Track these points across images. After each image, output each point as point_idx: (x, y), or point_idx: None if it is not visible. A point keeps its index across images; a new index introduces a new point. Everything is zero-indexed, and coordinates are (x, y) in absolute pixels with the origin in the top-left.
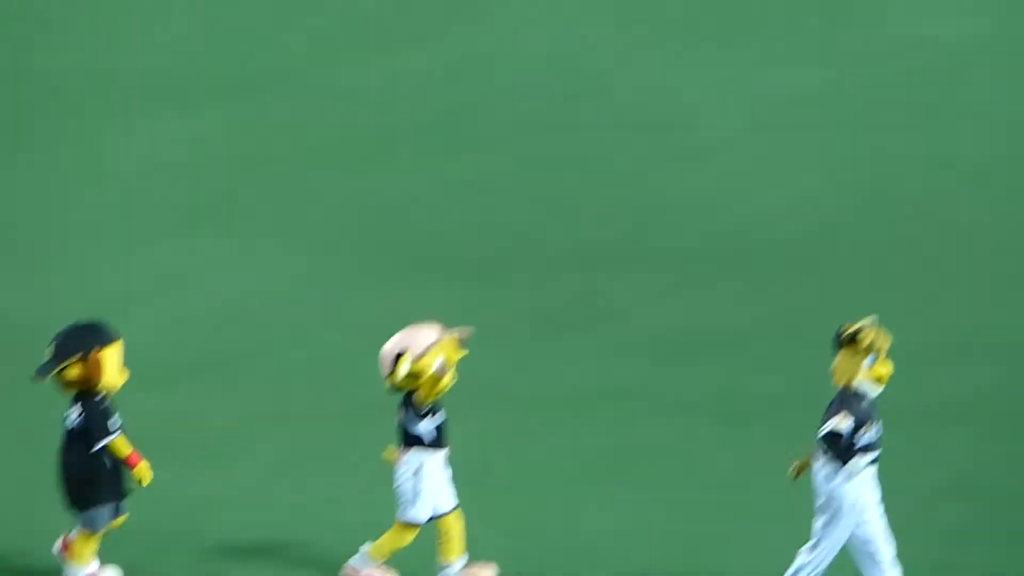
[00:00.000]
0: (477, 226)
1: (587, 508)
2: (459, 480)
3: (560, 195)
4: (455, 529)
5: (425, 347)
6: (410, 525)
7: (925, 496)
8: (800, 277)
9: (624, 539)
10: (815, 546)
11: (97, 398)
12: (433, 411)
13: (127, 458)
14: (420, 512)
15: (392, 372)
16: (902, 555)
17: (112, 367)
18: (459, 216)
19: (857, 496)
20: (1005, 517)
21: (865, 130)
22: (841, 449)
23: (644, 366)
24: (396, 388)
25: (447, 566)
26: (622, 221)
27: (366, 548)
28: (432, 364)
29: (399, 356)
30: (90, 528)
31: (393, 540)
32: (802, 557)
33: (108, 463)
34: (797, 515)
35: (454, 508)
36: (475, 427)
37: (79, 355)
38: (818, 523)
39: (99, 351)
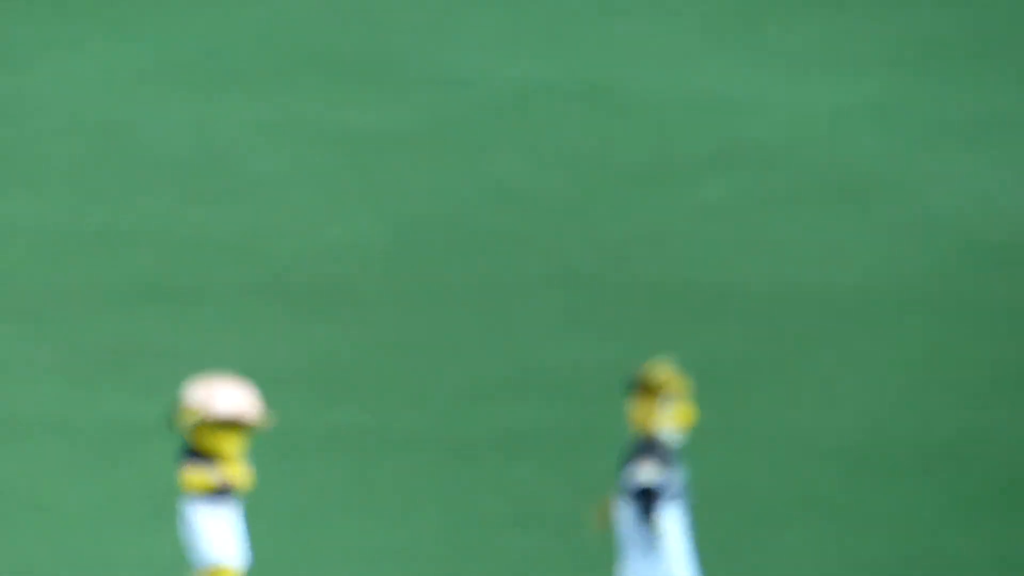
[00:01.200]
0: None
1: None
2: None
3: (95, 231)
4: None
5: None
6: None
7: (490, 524)
8: (341, 313)
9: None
10: None
11: None
12: None
13: None
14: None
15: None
16: None
17: None
18: None
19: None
20: (568, 545)
21: (417, 166)
22: (652, 501)
23: None
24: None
25: None
26: (166, 260)
27: None
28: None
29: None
30: None
31: None
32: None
33: None
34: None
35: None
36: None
37: None
38: (636, 566)
39: None
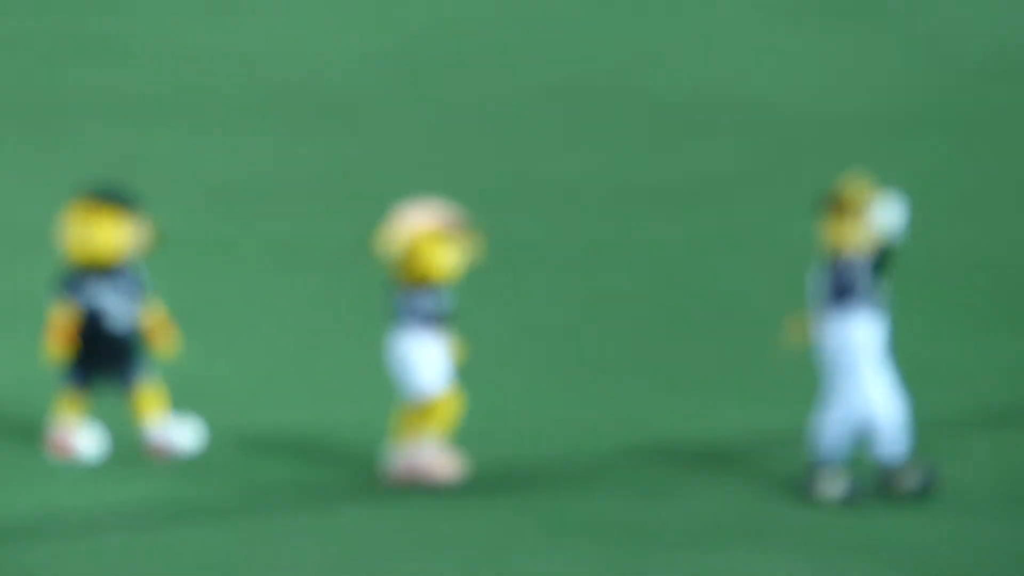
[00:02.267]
0: None
1: None
2: None
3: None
4: (442, 412)
5: (410, 226)
6: (425, 401)
7: (498, 336)
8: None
9: None
10: (838, 404)
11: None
12: (428, 291)
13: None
14: (428, 385)
15: (379, 245)
16: None
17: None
18: None
19: (860, 349)
20: (575, 356)
21: None
22: (842, 305)
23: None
24: (388, 262)
25: (419, 446)
26: (170, 74)
27: (403, 445)
28: (414, 242)
29: (387, 228)
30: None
31: (421, 420)
32: (827, 415)
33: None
34: None
35: (447, 391)
36: None
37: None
38: (833, 381)
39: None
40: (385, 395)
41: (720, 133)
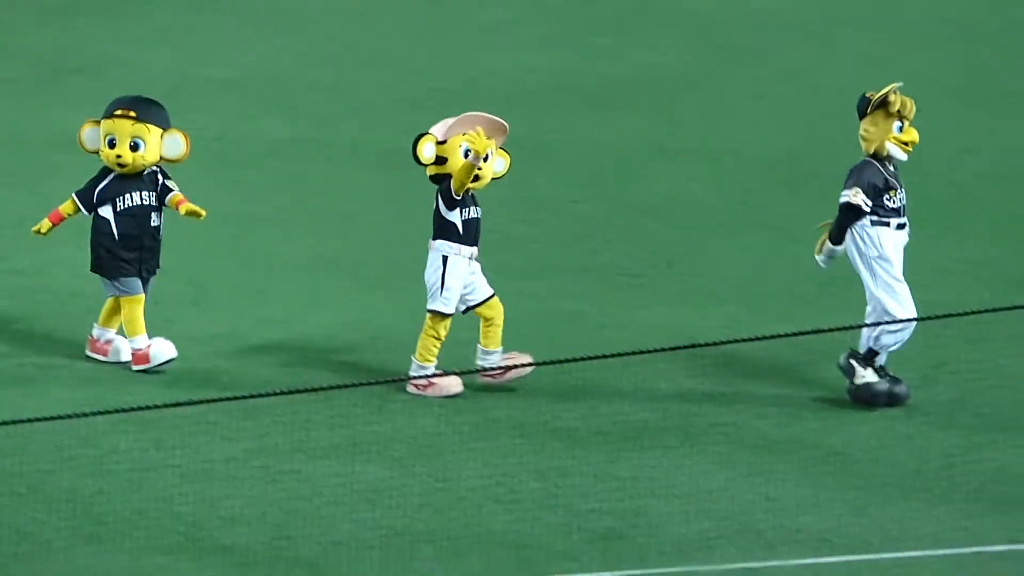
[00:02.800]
0: None
1: None
2: None
3: None
4: (494, 317)
5: (450, 132)
6: (439, 315)
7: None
8: None
9: None
10: (877, 304)
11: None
12: (465, 204)
13: (175, 205)
14: (446, 303)
15: (413, 153)
16: None
17: (98, 140)
18: None
19: (884, 252)
20: (517, 255)
21: None
22: (850, 219)
23: None
24: (428, 171)
25: (489, 353)
26: None
27: (415, 358)
28: (457, 151)
29: (421, 136)
30: (116, 293)
31: (427, 333)
32: (872, 320)
33: (115, 235)
34: None
35: (490, 297)
36: None
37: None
38: (867, 285)
39: (87, 121)
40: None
41: (663, 32)
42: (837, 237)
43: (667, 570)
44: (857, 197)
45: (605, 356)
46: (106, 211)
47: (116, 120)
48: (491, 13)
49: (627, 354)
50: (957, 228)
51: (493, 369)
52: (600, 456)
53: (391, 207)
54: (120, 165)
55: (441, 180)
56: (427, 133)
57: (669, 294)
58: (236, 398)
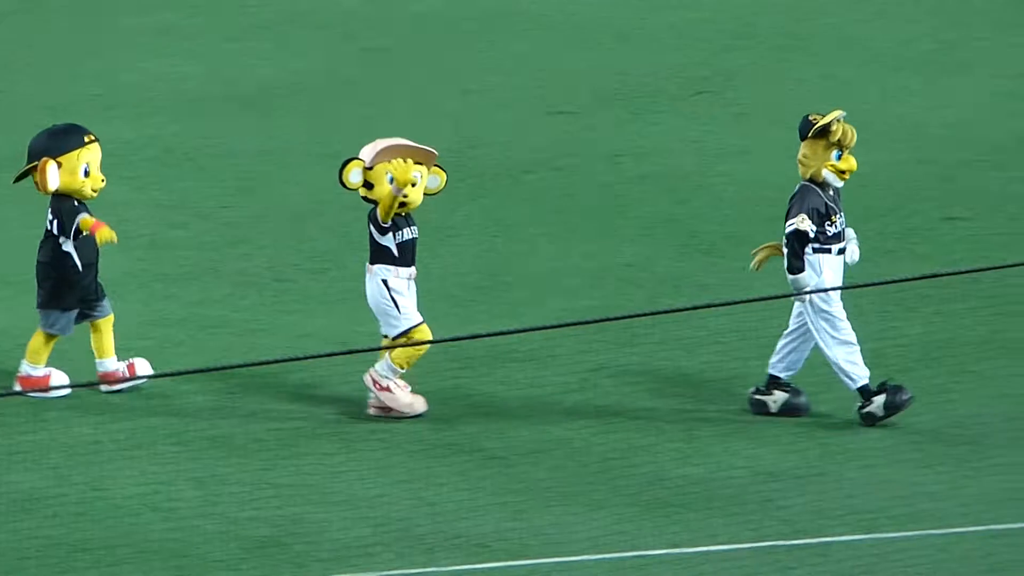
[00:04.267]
0: None
1: None
2: None
3: None
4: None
5: (376, 160)
6: (408, 333)
7: None
8: None
9: None
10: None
11: (67, 200)
12: (398, 227)
13: (91, 229)
14: (409, 319)
15: (340, 176)
16: None
17: (68, 174)
18: None
19: (822, 282)
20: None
21: None
22: (802, 245)
23: None
24: (358, 193)
25: (395, 370)
26: None
27: (387, 357)
28: (383, 178)
29: (349, 161)
30: (49, 329)
31: (406, 350)
32: (831, 353)
33: (79, 266)
34: None
35: (418, 324)
36: None
37: (34, 163)
38: (806, 311)
39: (47, 161)
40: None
41: (305, 36)
42: (795, 267)
43: None
44: (804, 223)
45: (267, 362)
46: (68, 244)
47: (90, 147)
48: (145, 19)
49: (287, 360)
50: (608, 231)
51: (380, 380)
52: (257, 464)
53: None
54: (95, 190)
55: (372, 203)
56: (356, 158)
57: (322, 299)
58: None
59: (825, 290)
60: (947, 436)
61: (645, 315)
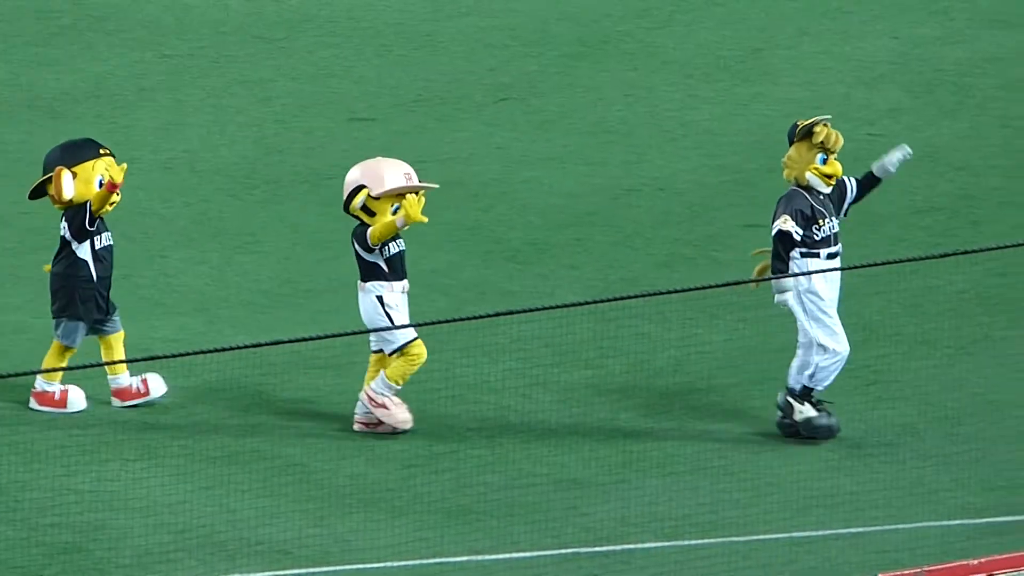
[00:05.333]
0: None
1: None
2: None
3: None
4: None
5: (384, 190)
6: (407, 345)
7: None
8: None
9: None
10: (814, 344)
11: (80, 211)
12: (384, 243)
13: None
14: (405, 334)
15: (347, 202)
16: None
17: (83, 184)
18: None
19: (813, 287)
20: None
21: None
22: (786, 247)
23: None
24: (352, 215)
25: (390, 385)
26: None
27: (382, 374)
28: (387, 209)
29: (358, 189)
30: (65, 340)
31: (402, 366)
32: (814, 358)
33: (93, 276)
34: None
35: (412, 340)
36: None
37: (48, 175)
38: (798, 318)
39: (62, 169)
40: None
41: (114, 43)
42: (776, 268)
43: None
44: (787, 224)
45: (68, 368)
46: (85, 251)
47: (104, 159)
48: None
49: (86, 366)
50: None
51: (376, 397)
52: (58, 469)
53: None
54: (111, 204)
55: (362, 224)
56: (364, 187)
57: (122, 304)
58: None
59: (611, 300)
60: (750, 444)
61: (447, 322)
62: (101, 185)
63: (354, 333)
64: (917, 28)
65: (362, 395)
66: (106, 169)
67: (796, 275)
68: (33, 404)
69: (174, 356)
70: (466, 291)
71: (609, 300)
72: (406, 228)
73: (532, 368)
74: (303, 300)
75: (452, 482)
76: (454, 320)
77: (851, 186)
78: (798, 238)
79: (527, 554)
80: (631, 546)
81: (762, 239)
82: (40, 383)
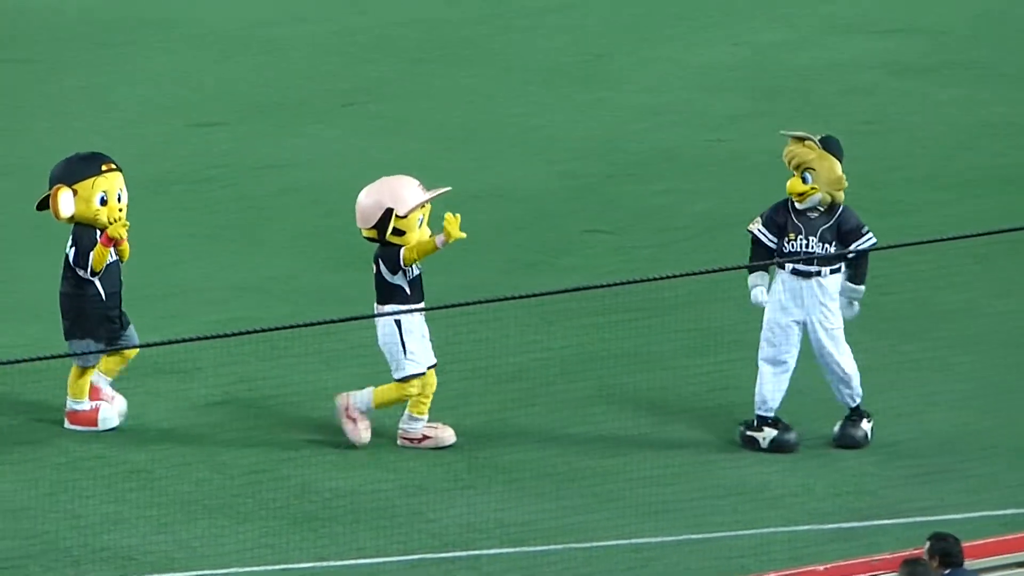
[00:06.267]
0: None
1: None
2: None
3: None
4: (425, 388)
5: (410, 208)
6: (412, 377)
7: None
8: None
9: None
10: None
11: (87, 231)
12: (408, 265)
13: (103, 243)
14: (416, 364)
15: (376, 227)
16: None
17: (83, 202)
18: None
19: (767, 302)
20: None
21: None
22: (754, 248)
23: None
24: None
25: (414, 419)
26: None
27: (369, 391)
28: (415, 225)
29: (388, 212)
30: (80, 362)
31: (394, 393)
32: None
33: (102, 295)
34: None
35: (432, 366)
36: None
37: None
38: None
39: (60, 188)
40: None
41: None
42: (752, 269)
43: None
44: (753, 224)
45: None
46: (86, 274)
47: (107, 175)
48: None
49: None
50: (256, 244)
51: (413, 436)
52: None
53: None
54: (112, 220)
55: (386, 245)
56: (391, 209)
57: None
58: None
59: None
60: (593, 450)
61: (289, 328)
62: (103, 203)
63: (197, 339)
64: (758, 35)
65: (399, 439)
66: (107, 188)
67: (740, 268)
68: (67, 424)
69: (15, 362)
70: (305, 297)
71: (451, 306)
72: (446, 246)
73: (371, 376)
74: (147, 305)
75: (297, 488)
76: (293, 326)
77: (858, 240)
78: (764, 240)
79: (373, 560)
80: (477, 552)
81: (604, 245)
82: (69, 403)
